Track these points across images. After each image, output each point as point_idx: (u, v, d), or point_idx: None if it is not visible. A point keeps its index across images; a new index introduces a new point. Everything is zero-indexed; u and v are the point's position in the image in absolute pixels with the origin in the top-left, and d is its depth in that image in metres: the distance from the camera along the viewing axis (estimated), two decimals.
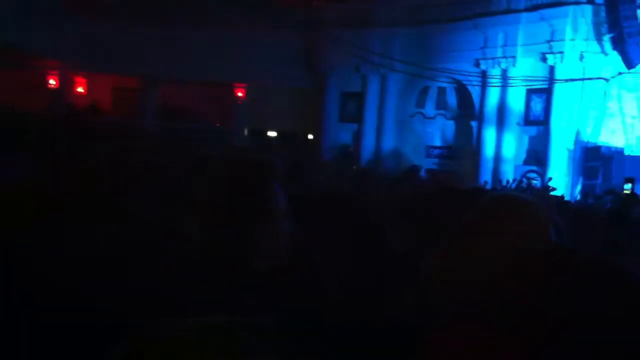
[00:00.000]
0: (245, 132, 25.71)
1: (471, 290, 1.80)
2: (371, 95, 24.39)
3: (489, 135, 21.59)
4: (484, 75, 21.84)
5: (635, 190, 12.90)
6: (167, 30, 22.85)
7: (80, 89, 27.28)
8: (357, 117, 24.76)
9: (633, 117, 19.80)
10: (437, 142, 24.13)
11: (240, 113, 25.80)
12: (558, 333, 1.53)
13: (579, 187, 18.38)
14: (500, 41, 21.36)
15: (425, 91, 24.02)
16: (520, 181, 17.89)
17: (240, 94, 25.80)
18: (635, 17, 18.38)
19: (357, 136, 24.82)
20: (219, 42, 23.14)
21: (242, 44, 23.28)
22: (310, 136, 26.19)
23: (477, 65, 21.91)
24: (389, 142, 24.11)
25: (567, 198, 16.08)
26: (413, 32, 22.57)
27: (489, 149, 21.56)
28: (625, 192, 11.41)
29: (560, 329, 1.55)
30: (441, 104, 23.96)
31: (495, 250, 1.91)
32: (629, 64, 18.51)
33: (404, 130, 24.22)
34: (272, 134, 25.89)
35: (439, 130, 24.13)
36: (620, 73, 19.14)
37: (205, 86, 24.98)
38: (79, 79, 27.06)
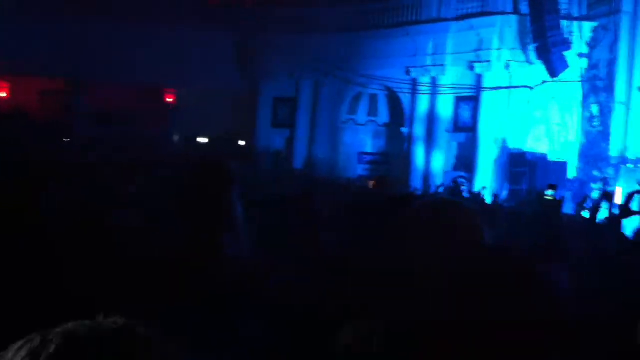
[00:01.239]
0: (177, 137, 25.27)
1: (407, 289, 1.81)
2: (304, 101, 24.43)
3: (419, 141, 21.91)
4: (414, 82, 22.16)
5: (557, 196, 13.29)
6: (97, 32, 22.22)
7: (2, 94, 26.15)
8: (290, 123, 24.75)
9: (557, 124, 20.43)
10: (369, 149, 24.32)
11: (170, 118, 25.35)
12: (482, 332, 1.55)
13: (505, 193, 18.81)
14: (430, 49, 21.73)
15: (357, 98, 24.20)
16: (450, 186, 18.19)
17: (170, 99, 25.36)
18: (559, 28, 19.00)
19: (290, 142, 24.80)
20: (150, 45, 22.68)
21: (174, 47, 22.89)
22: (242, 142, 25.99)
23: (408, 73, 22.22)
24: (321, 148, 24.15)
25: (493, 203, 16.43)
26: (346, 38, 22.72)
27: (419, 155, 21.88)
28: (546, 197, 11.81)
29: (485, 328, 1.56)
30: (373, 111, 24.21)
31: (429, 252, 1.93)
32: (553, 73, 19.11)
33: (336, 137, 24.32)
34: (203, 139, 25.54)
35: (370, 137, 24.35)
36: (544, 81, 19.73)
37: (136, 90, 24.43)
38: (2, 83, 25.97)
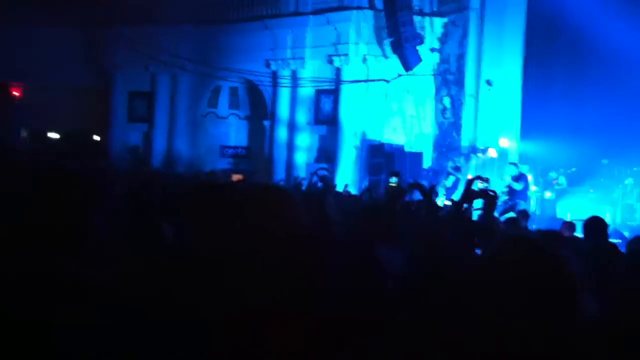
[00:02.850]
0: (24, 134, 23.80)
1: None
2: (161, 95, 23.82)
3: (282, 134, 21.99)
4: (274, 75, 22.19)
5: (403, 183, 13.81)
6: None
7: None
8: (147, 117, 24.07)
9: (412, 117, 21.17)
10: (231, 142, 24.13)
11: (16, 114, 23.81)
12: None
13: (365, 183, 19.26)
14: (289, 43, 21.82)
15: (217, 91, 23.94)
16: (311, 178, 18.33)
17: (16, 94, 23.87)
18: (412, 23, 19.65)
19: (148, 136, 24.11)
20: None
21: (18, 40, 21.51)
22: (96, 137, 24.95)
23: (268, 65, 22.22)
24: (181, 143, 23.68)
25: (355, 193, 16.74)
26: (203, 31, 22.36)
27: (282, 148, 21.94)
28: (391, 185, 12.30)
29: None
30: (234, 104, 24.05)
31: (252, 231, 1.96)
32: (407, 67, 19.76)
33: (197, 130, 23.95)
34: (54, 135, 24.24)
35: (232, 130, 24.17)
36: (399, 75, 20.37)
37: None
38: None
